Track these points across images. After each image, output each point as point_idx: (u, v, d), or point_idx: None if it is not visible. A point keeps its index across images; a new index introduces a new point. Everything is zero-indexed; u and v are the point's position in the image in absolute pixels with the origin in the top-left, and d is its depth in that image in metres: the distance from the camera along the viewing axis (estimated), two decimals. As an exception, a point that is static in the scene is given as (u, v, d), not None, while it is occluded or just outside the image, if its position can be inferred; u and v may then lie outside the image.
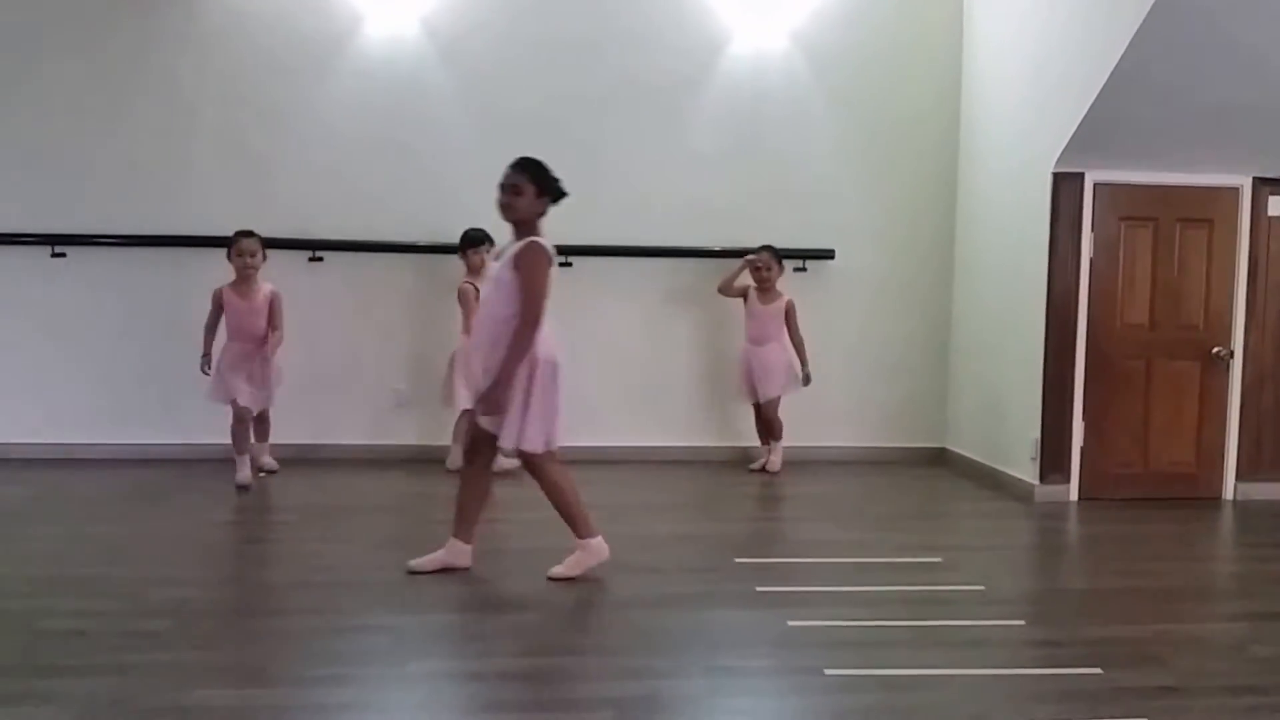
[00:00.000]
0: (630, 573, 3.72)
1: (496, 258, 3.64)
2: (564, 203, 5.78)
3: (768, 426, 5.52)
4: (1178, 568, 4.04)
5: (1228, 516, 4.88)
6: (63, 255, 5.47)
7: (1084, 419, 4.98)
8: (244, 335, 4.86)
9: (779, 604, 3.42)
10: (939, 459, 5.88)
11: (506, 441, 3.52)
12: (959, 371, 5.83)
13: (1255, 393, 5.09)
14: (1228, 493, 5.09)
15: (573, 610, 3.40)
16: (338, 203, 5.57)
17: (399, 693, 2.77)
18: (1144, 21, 4.08)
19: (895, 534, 4.42)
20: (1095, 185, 4.90)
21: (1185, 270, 5.02)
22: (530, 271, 3.48)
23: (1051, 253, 4.89)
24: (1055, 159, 4.80)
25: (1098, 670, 2.91)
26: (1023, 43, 5.18)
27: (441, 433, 5.41)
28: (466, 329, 4.93)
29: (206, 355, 4.89)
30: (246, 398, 4.85)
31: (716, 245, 5.69)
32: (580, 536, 3.65)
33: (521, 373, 3.47)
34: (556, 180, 3.58)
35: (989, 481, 5.33)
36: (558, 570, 3.61)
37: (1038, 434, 4.96)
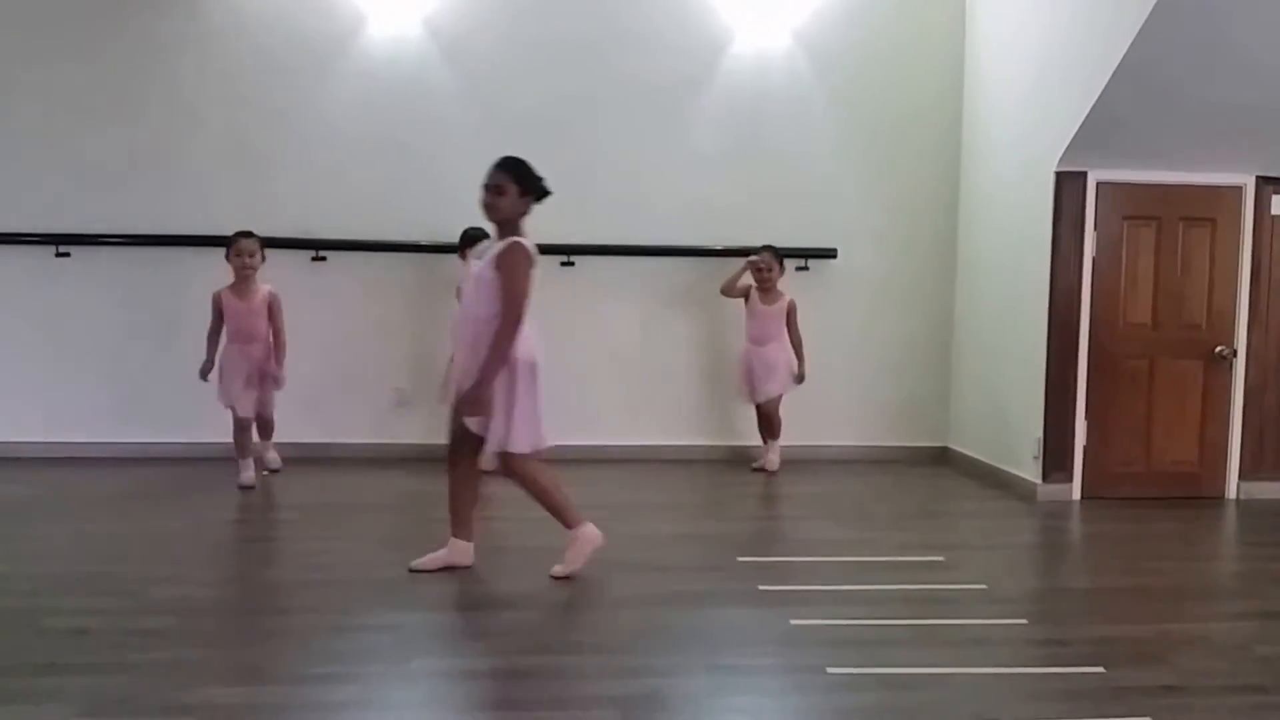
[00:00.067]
0: (633, 571, 3.73)
1: (479, 256, 3.61)
2: (566, 202, 5.78)
3: (768, 425, 5.52)
4: (1181, 567, 4.03)
5: (1230, 516, 4.87)
6: (67, 255, 5.48)
7: (1087, 418, 4.98)
8: (243, 337, 4.85)
9: (782, 602, 3.42)
10: (941, 458, 5.88)
11: (494, 444, 3.49)
12: (961, 370, 5.83)
13: (1258, 392, 5.08)
14: (1230, 492, 5.09)
15: (575, 608, 3.40)
16: (340, 202, 5.58)
17: (401, 691, 2.77)
18: (1147, 20, 4.08)
19: (898, 533, 4.42)
20: (1098, 184, 4.90)
21: (1188, 269, 5.01)
22: (511, 272, 3.47)
23: (1054, 252, 4.89)
24: (1058, 158, 4.80)
25: (1101, 669, 2.91)
26: (1025, 42, 5.18)
27: (443, 432, 5.38)
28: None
29: (209, 362, 4.86)
30: (245, 407, 4.84)
31: (718, 245, 5.69)
32: (570, 528, 3.63)
33: (501, 374, 3.46)
34: (540, 179, 3.57)
35: (991, 480, 5.32)
36: (560, 569, 3.61)
37: (1040, 433, 4.95)
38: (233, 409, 4.85)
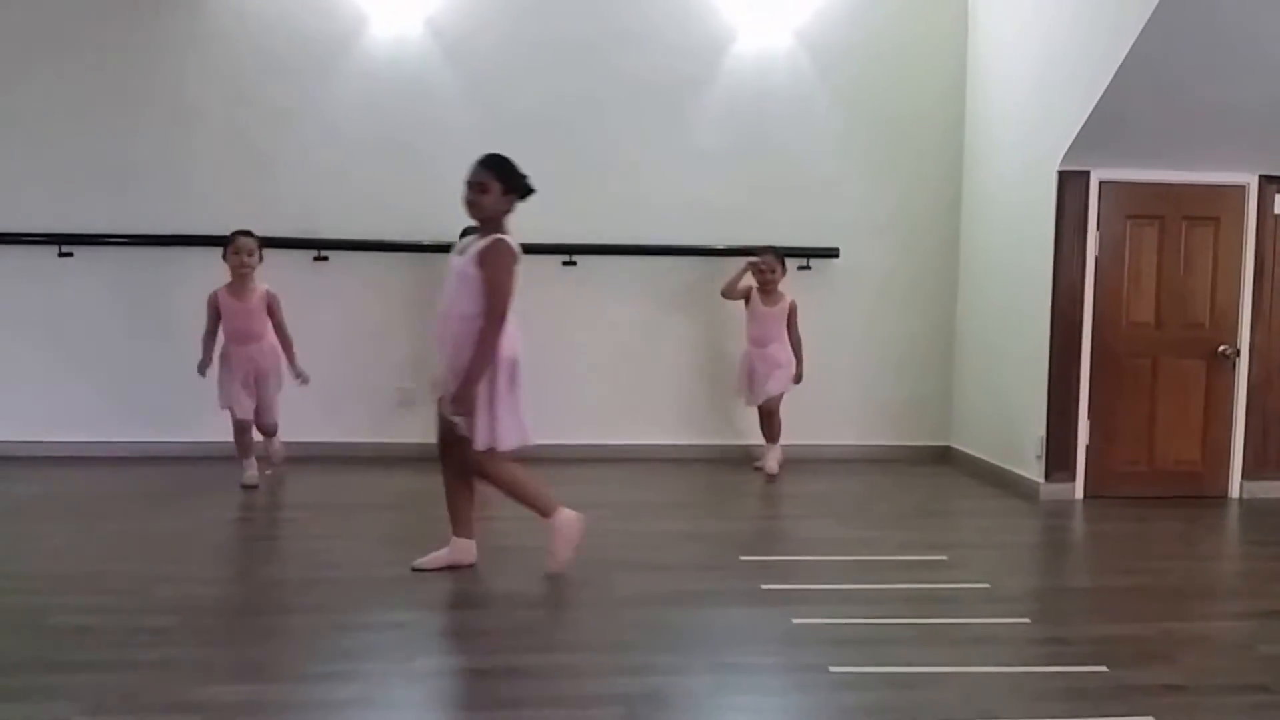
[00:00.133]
0: (635, 570, 3.73)
1: (460, 253, 3.59)
2: (569, 202, 5.82)
3: (768, 427, 5.49)
4: (1184, 566, 4.03)
5: (1234, 515, 4.86)
6: (70, 255, 5.49)
7: (1089, 417, 4.97)
8: (240, 338, 4.82)
9: (784, 601, 3.42)
10: (944, 457, 5.87)
11: (480, 442, 3.49)
12: (964, 370, 5.83)
13: (1261, 391, 5.08)
14: (1234, 491, 5.08)
15: (577, 607, 3.41)
16: (342, 202, 5.58)
17: (405, 689, 2.78)
18: (1150, 19, 4.07)
19: (900, 532, 4.42)
20: (1100, 183, 4.89)
21: (1191, 268, 5.01)
22: (495, 269, 3.46)
23: (1057, 251, 4.88)
24: (1060, 157, 4.79)
25: (1103, 668, 2.91)
26: (1027, 40, 5.17)
27: (446, 431, 5.41)
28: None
29: (206, 359, 4.83)
30: (244, 409, 4.83)
31: (721, 244, 5.69)
32: (548, 516, 3.61)
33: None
34: (523, 177, 3.55)
35: (994, 480, 5.32)
36: (552, 564, 3.60)
37: (1043, 432, 4.95)
38: (231, 410, 4.85)
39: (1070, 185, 4.87)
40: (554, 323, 5.68)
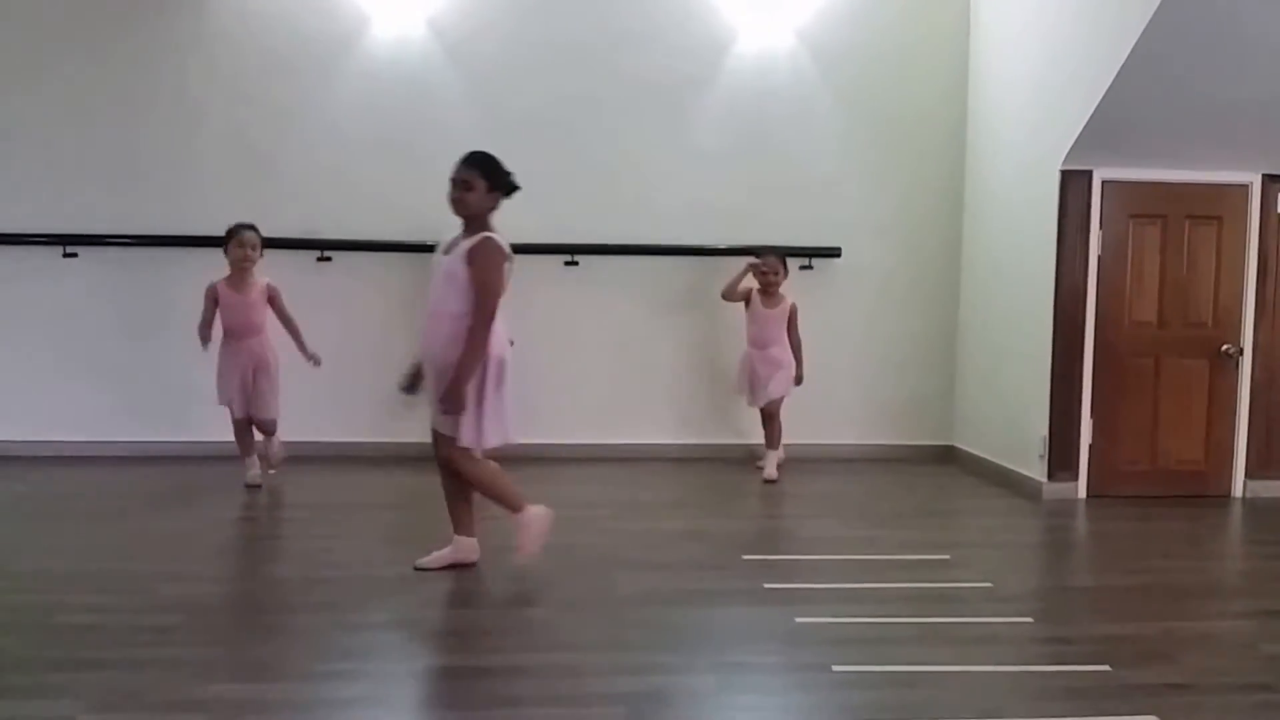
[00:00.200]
0: (638, 569, 3.74)
1: (446, 251, 3.58)
2: (571, 202, 5.83)
3: (768, 431, 5.47)
4: (1187, 565, 4.03)
5: (1237, 514, 4.86)
6: (74, 255, 5.51)
7: (1092, 416, 4.97)
8: (239, 330, 4.81)
9: (787, 601, 3.42)
10: (947, 456, 5.87)
11: (464, 440, 3.49)
12: (966, 369, 5.83)
13: (1265, 390, 5.07)
14: (1237, 490, 5.08)
15: (581, 606, 3.41)
16: (345, 203, 5.59)
17: (408, 688, 2.78)
18: (1152, 18, 4.07)
19: (903, 531, 4.42)
20: (1103, 183, 4.89)
21: (1194, 267, 5.00)
22: (484, 269, 3.45)
23: (1059, 250, 4.88)
24: (1063, 156, 4.79)
25: (1106, 667, 2.91)
26: (1030, 39, 5.17)
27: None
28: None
29: (206, 338, 4.79)
30: (240, 408, 4.83)
31: (723, 244, 5.69)
32: (517, 514, 3.59)
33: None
34: (508, 174, 3.54)
35: (997, 479, 5.32)
36: (520, 556, 3.57)
37: (1046, 431, 4.95)
38: (229, 408, 4.85)
39: (1073, 185, 4.86)
40: (556, 322, 5.68)
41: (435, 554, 3.70)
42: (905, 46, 5.78)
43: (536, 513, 3.62)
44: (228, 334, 4.84)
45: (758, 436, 5.64)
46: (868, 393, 5.87)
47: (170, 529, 4.24)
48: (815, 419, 5.66)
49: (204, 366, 4.93)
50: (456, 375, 3.42)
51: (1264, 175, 4.97)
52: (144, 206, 5.52)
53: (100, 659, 2.85)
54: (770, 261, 5.38)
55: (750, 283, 5.45)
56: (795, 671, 2.88)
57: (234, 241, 4.81)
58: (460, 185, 3.51)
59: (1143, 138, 4.68)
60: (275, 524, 4.56)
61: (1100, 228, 4.91)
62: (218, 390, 4.86)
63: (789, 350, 5.39)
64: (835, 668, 2.87)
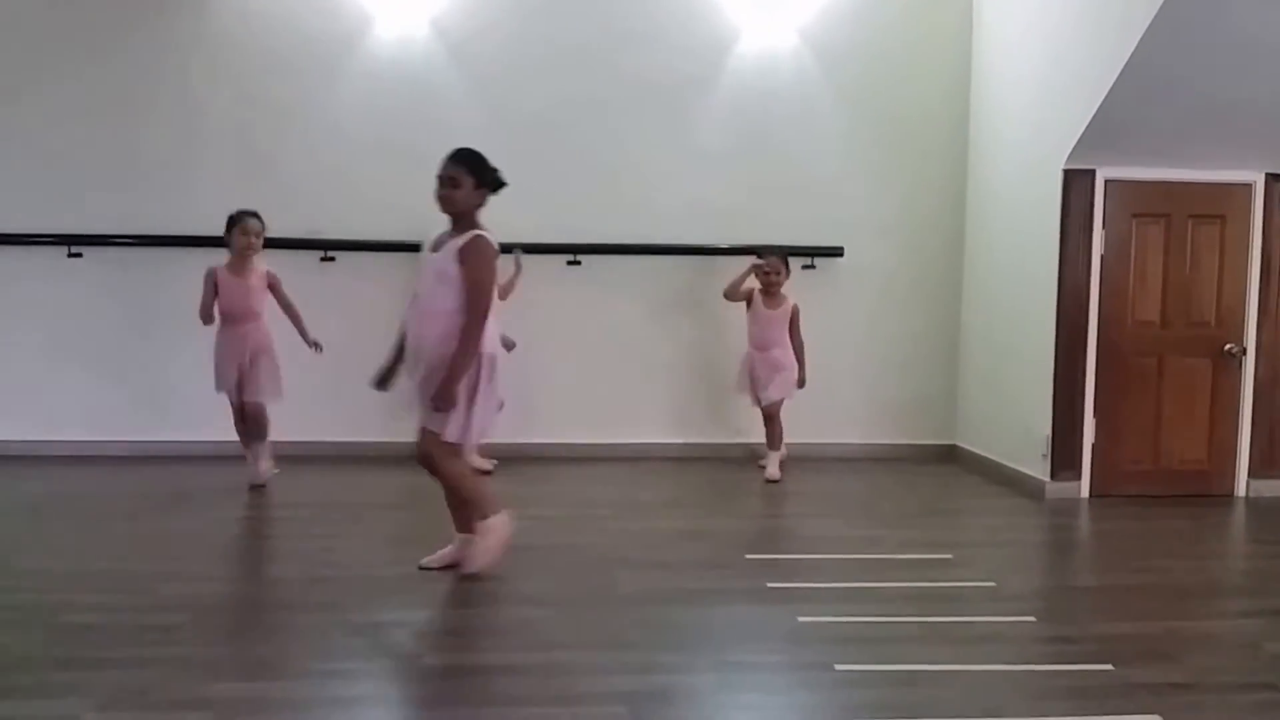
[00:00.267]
0: (640, 568, 3.74)
1: (435, 249, 3.57)
2: (574, 202, 5.83)
3: (769, 432, 5.46)
4: (1189, 564, 4.03)
5: (1240, 513, 4.86)
6: (79, 255, 5.52)
7: (1095, 416, 4.97)
8: (237, 315, 4.78)
9: (789, 600, 3.42)
10: (949, 456, 5.87)
11: (451, 435, 3.47)
12: (969, 368, 5.82)
13: (1268, 389, 5.07)
14: (1240, 489, 5.07)
15: (583, 605, 3.41)
16: (348, 203, 5.60)
17: (412, 687, 2.79)
18: (1155, 17, 4.07)
19: (905, 530, 4.42)
20: (1106, 182, 4.89)
21: (1197, 267, 5.00)
22: (477, 267, 3.45)
23: (1062, 250, 4.88)
24: (1066, 156, 4.79)
25: (1109, 667, 2.91)
26: (1033, 39, 5.17)
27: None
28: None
29: (208, 323, 4.78)
30: (236, 397, 4.82)
31: (725, 244, 5.69)
32: (485, 519, 3.55)
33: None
34: (495, 171, 3.54)
35: (1000, 478, 5.32)
36: (471, 564, 3.53)
37: (1049, 431, 4.94)
38: (229, 395, 4.84)
39: (1075, 184, 4.86)
40: (557, 322, 5.69)
41: (439, 553, 3.71)
42: (908, 46, 5.78)
43: (501, 521, 3.59)
44: (225, 319, 4.80)
45: (759, 435, 5.64)
46: (870, 392, 5.87)
47: (173, 528, 4.26)
48: (818, 418, 5.66)
49: (205, 366, 4.92)
50: (451, 372, 3.42)
51: (1267, 174, 4.97)
52: (146, 207, 5.53)
53: (105, 658, 2.86)
54: (772, 261, 5.37)
55: (753, 283, 5.45)
56: (797, 670, 2.89)
57: (238, 228, 4.81)
58: (447, 182, 3.51)
59: (1146, 137, 4.67)
60: (277, 524, 4.57)
61: (1103, 227, 4.91)
62: (215, 377, 4.84)
63: (790, 352, 5.37)
64: (838, 667, 2.87)
